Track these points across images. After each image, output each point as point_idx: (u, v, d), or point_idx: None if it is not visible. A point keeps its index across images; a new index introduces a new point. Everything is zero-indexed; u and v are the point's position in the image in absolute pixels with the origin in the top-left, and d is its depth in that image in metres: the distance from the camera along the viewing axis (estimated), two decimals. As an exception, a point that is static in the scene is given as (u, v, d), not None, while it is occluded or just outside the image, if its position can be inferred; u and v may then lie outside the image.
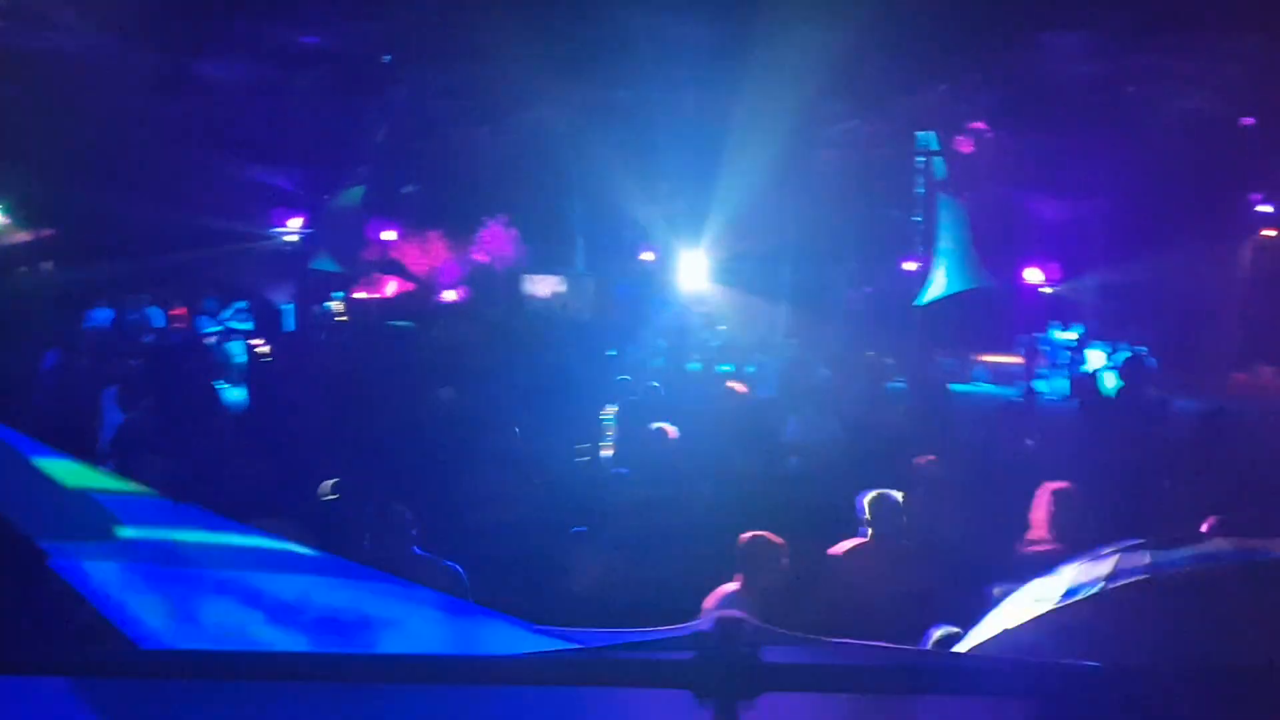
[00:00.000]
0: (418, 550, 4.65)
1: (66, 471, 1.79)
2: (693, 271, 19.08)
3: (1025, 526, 5.28)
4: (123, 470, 6.08)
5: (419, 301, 19.37)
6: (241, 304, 15.63)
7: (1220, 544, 2.51)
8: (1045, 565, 2.66)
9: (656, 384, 9.46)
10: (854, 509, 5.31)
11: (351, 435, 6.93)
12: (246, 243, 18.04)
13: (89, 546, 1.79)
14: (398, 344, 13.64)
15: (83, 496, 1.80)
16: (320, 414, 7.74)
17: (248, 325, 14.91)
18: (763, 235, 18.35)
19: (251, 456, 6.32)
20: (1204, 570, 2.34)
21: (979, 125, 19.02)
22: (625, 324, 16.25)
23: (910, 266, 19.98)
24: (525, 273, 20.19)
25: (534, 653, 1.72)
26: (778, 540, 4.62)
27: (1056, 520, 5.13)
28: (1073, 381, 14.52)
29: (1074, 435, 8.77)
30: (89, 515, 1.79)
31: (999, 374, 16.74)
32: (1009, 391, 14.58)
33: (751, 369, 12.15)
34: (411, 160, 19.42)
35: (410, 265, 20.38)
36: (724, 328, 17.31)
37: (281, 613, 1.83)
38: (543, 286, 20.03)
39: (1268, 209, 18.28)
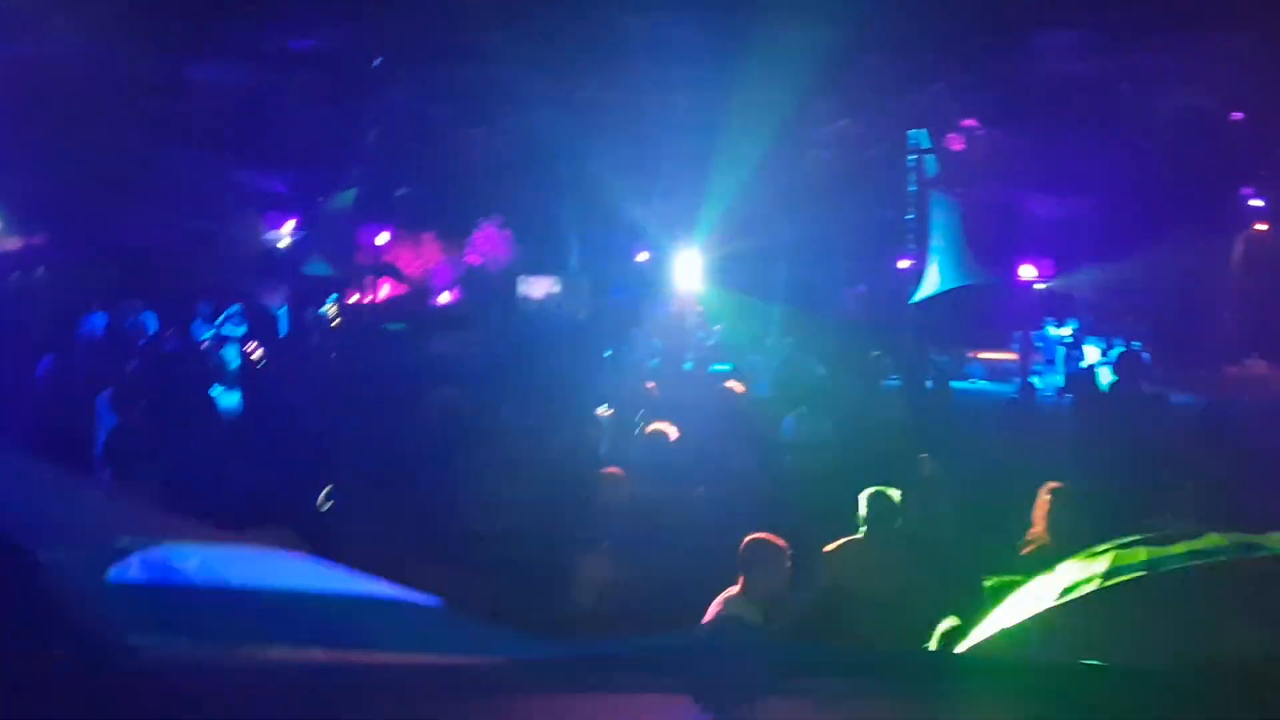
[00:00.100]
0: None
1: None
2: (687, 271, 19.07)
3: (1022, 523, 5.31)
4: (117, 474, 6.09)
5: (413, 304, 19.33)
6: (235, 309, 15.59)
7: (1216, 539, 2.52)
8: (1043, 563, 2.67)
9: (652, 384, 9.44)
10: (850, 507, 5.32)
11: (346, 439, 6.92)
12: (240, 247, 18.00)
13: (86, 548, 1.79)
14: (392, 347, 13.63)
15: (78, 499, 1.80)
16: (314, 418, 7.73)
17: (241, 330, 14.87)
18: (757, 235, 18.33)
19: (245, 460, 6.32)
20: (1200, 567, 2.35)
21: (970, 122, 19.05)
22: (620, 325, 16.23)
23: (904, 264, 19.99)
24: (519, 274, 20.15)
25: (535, 658, 1.72)
26: (780, 543, 4.60)
27: (1054, 518, 5.16)
28: (1068, 377, 14.55)
29: (1070, 430, 8.80)
30: (84, 518, 1.78)
31: (994, 371, 16.75)
32: (1005, 388, 14.59)
33: (747, 368, 12.14)
34: (404, 162, 19.36)
35: (404, 268, 20.32)
36: (719, 327, 17.30)
37: (279, 617, 1.82)
38: (537, 288, 19.98)
39: (1260, 203, 18.32)
